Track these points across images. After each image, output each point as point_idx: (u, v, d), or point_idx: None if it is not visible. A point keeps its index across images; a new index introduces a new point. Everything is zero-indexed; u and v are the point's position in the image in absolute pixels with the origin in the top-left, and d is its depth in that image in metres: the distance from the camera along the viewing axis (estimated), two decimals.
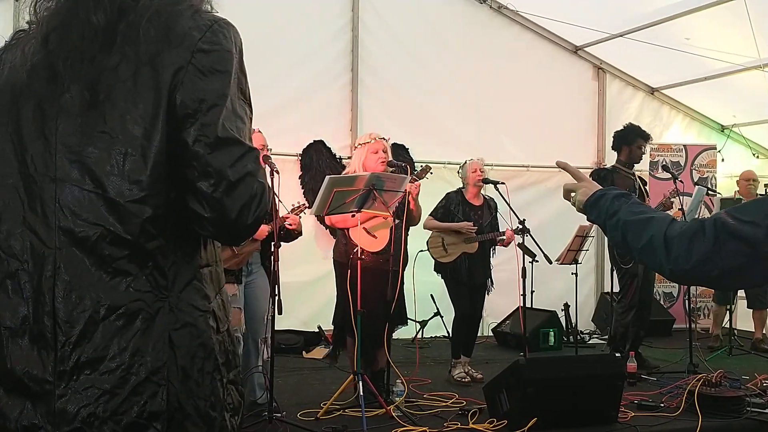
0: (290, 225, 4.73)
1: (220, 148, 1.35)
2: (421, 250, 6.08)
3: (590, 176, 6.56)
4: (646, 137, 6.50)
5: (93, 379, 1.31)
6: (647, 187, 6.72)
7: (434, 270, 6.10)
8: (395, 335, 5.55)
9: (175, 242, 1.39)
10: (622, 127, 6.62)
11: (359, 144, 5.23)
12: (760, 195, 7.75)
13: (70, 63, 1.37)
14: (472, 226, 5.84)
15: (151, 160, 1.34)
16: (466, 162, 6.13)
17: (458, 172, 6.25)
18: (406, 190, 4.98)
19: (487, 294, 6.17)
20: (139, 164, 1.33)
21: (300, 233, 4.89)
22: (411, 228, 5.44)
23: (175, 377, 1.35)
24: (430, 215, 6.00)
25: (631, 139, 6.44)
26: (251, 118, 1.47)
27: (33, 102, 1.40)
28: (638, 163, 6.67)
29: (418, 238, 6.00)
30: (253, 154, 1.39)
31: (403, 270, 5.10)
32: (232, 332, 1.53)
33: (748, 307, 7.64)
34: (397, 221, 5.04)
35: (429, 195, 5.83)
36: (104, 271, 1.34)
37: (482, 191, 6.17)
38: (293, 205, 4.91)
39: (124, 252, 1.34)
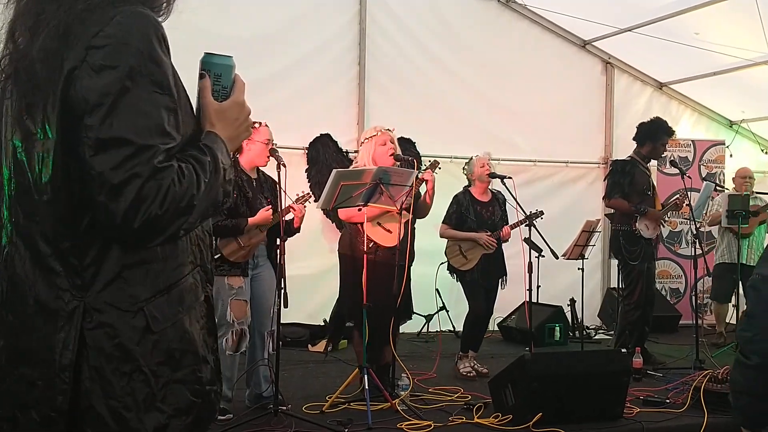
0: (294, 210, 4.75)
1: (102, 149, 1.31)
2: (442, 263, 6.09)
3: (611, 167, 6.61)
4: (671, 134, 6.47)
5: (23, 370, 1.40)
6: (652, 178, 6.69)
7: (447, 269, 6.09)
8: (401, 329, 5.55)
9: (93, 242, 1.39)
10: (649, 120, 6.55)
11: (365, 139, 5.24)
12: (757, 192, 7.69)
13: (11, 63, 1.44)
14: (490, 238, 5.79)
15: (54, 161, 1.37)
16: (472, 158, 6.10)
17: (464, 169, 6.21)
18: (420, 179, 4.99)
19: (501, 288, 6.15)
20: (47, 165, 1.38)
21: (298, 230, 4.89)
22: (422, 224, 5.43)
23: (87, 377, 1.37)
24: (444, 223, 5.97)
25: (658, 136, 6.38)
26: (174, 109, 1.40)
27: (0, 100, 1.49)
28: (657, 159, 6.62)
29: (430, 233, 5.99)
30: (145, 154, 1.32)
31: (410, 265, 5.11)
32: (190, 329, 1.50)
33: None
34: (410, 215, 5.03)
35: (437, 190, 5.81)
36: (39, 266, 1.42)
37: (489, 186, 6.14)
38: (297, 194, 4.91)
39: (51, 250, 1.41)
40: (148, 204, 1.31)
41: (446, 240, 6.00)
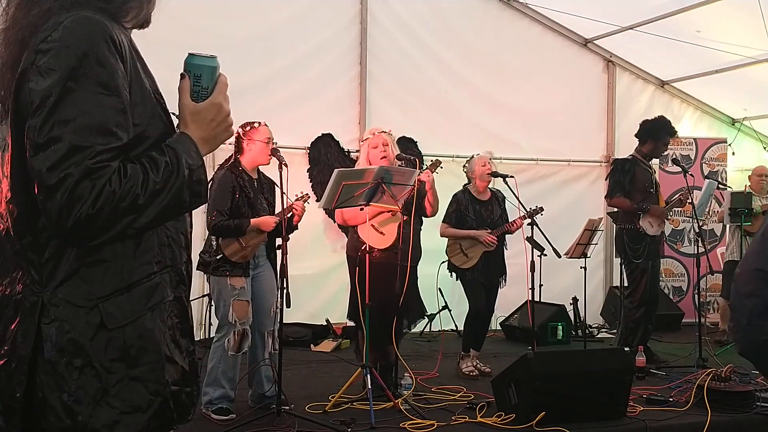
0: (296, 210, 4.76)
1: (41, 150, 1.35)
2: (443, 261, 6.08)
3: (612, 166, 6.60)
4: (673, 134, 6.47)
5: None
6: (656, 175, 6.67)
7: (447, 269, 6.09)
8: (413, 328, 5.57)
9: (51, 239, 1.44)
10: (653, 118, 6.54)
11: (362, 141, 5.30)
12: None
13: None
14: (490, 236, 5.79)
15: (12, 162, 1.45)
16: (473, 156, 6.11)
17: (464, 167, 6.22)
18: (419, 180, 4.99)
19: (501, 287, 6.15)
20: (8, 165, 1.47)
21: (296, 227, 4.90)
22: (426, 224, 5.43)
23: (42, 370, 1.42)
24: (444, 222, 5.98)
25: (660, 135, 6.37)
26: (122, 109, 1.42)
27: None
28: (658, 158, 6.62)
29: (434, 233, 5.99)
30: (79, 155, 1.35)
31: (417, 264, 5.12)
32: (151, 327, 1.52)
33: None
34: (406, 217, 5.03)
35: (439, 189, 5.81)
36: (9, 262, 1.50)
37: (489, 184, 6.14)
38: (296, 195, 4.92)
39: (18, 246, 1.48)
40: (80, 204, 1.34)
41: (447, 238, 6.00)
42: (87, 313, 1.44)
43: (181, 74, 1.56)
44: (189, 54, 1.57)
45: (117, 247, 1.47)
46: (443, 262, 6.12)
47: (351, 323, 5.71)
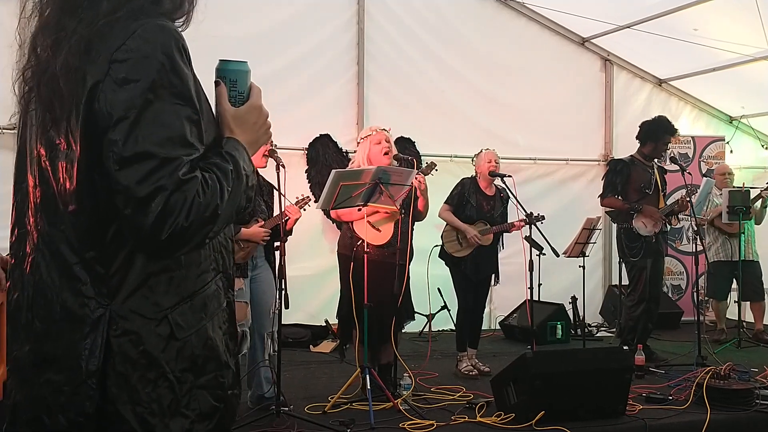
0: (289, 214, 4.73)
1: (128, 163, 1.31)
2: (436, 245, 6.07)
3: (607, 167, 6.60)
4: (673, 133, 6.45)
5: (48, 375, 1.42)
6: (666, 176, 6.64)
7: (438, 257, 6.06)
8: (404, 329, 5.55)
9: (119, 251, 1.41)
10: (651, 119, 6.51)
11: (361, 139, 5.26)
12: (737, 187, 7.64)
13: (37, 75, 1.46)
14: (476, 237, 5.78)
15: (78, 172, 1.38)
16: (481, 151, 6.10)
17: (472, 161, 6.21)
18: (412, 184, 4.98)
19: (493, 285, 6.14)
20: (71, 176, 1.39)
21: (290, 232, 4.87)
22: (421, 222, 5.43)
23: (113, 383, 1.39)
24: (445, 203, 5.97)
25: (659, 136, 6.35)
26: (196, 120, 1.40)
27: (24, 110, 1.51)
28: (660, 158, 6.62)
29: (429, 233, 5.98)
30: (169, 167, 1.32)
31: (409, 264, 5.11)
32: (213, 336, 1.53)
33: (743, 300, 7.50)
34: (402, 215, 5.02)
35: (436, 189, 5.81)
36: (64, 274, 1.43)
37: (494, 182, 6.14)
38: (297, 197, 4.91)
39: (77, 258, 1.42)
40: (174, 216, 1.32)
41: (444, 224, 5.99)
42: (157, 325, 1.42)
43: (216, 81, 1.56)
44: (221, 60, 1.57)
45: (181, 256, 1.45)
46: (436, 245, 6.07)
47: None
